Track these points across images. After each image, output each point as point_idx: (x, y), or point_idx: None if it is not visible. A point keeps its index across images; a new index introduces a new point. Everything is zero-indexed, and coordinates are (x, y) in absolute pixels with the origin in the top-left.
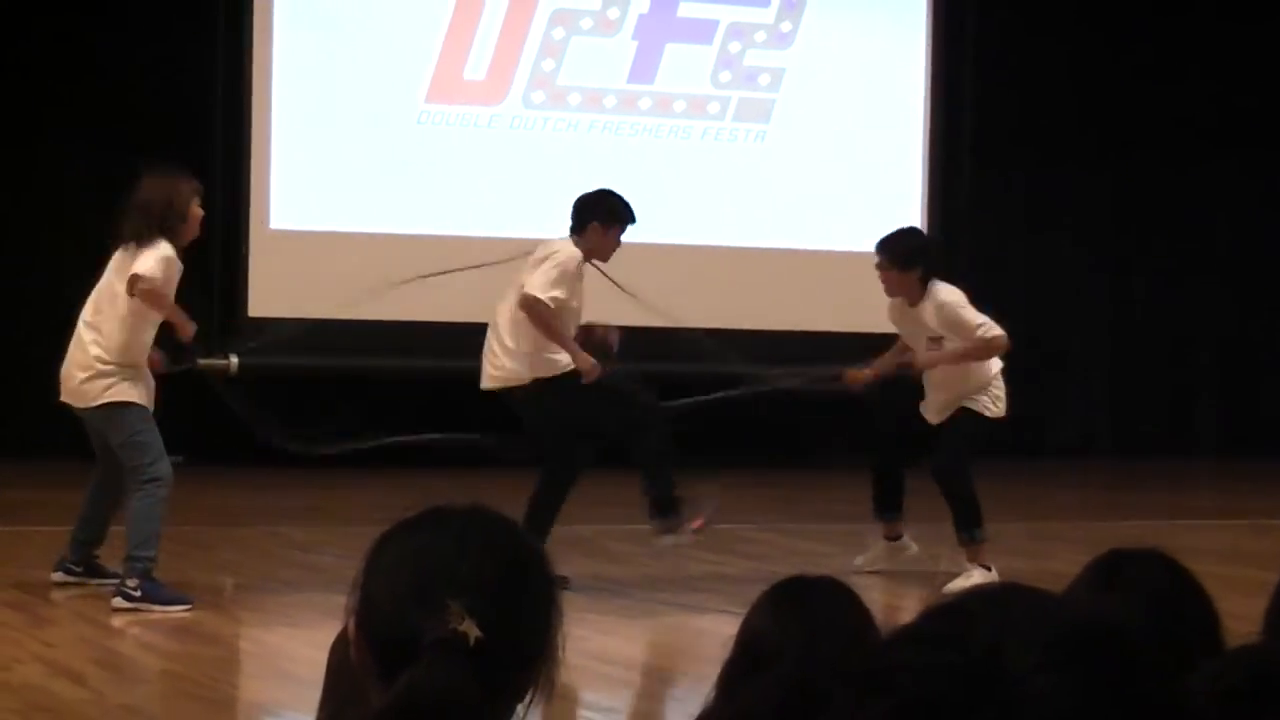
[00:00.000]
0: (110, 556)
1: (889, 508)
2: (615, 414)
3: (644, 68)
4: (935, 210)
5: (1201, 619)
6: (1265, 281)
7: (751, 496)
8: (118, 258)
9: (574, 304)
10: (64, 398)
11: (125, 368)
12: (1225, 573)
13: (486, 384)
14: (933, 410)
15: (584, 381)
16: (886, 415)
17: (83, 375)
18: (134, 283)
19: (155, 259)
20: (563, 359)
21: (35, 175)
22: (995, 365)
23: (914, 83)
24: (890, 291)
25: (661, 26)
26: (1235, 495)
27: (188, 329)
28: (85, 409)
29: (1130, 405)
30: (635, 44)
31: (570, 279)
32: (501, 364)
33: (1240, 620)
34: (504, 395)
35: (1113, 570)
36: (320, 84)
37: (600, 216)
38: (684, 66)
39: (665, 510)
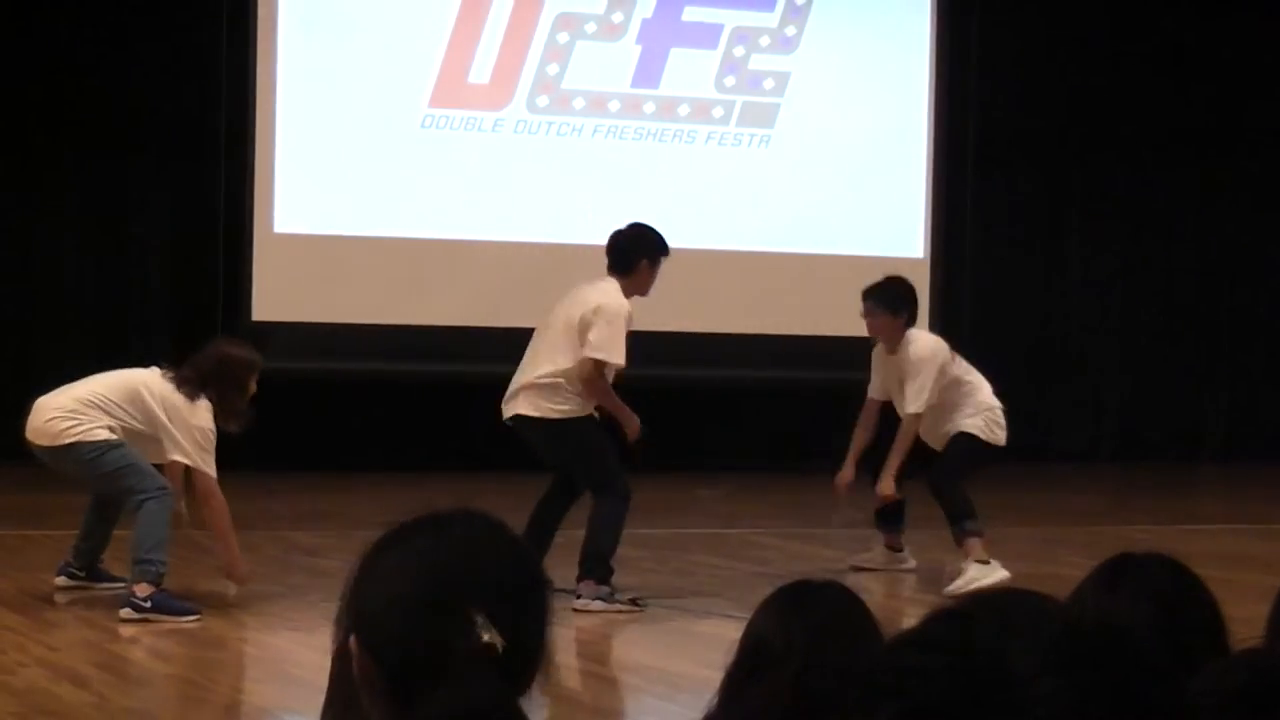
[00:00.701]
0: (114, 565)
1: (890, 522)
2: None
3: (648, 72)
4: (939, 215)
5: (1207, 623)
6: (1270, 286)
7: (757, 501)
8: (164, 385)
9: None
10: (28, 435)
11: (100, 424)
12: (1230, 577)
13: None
14: (935, 441)
15: (630, 439)
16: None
17: (47, 416)
18: (195, 478)
19: (205, 446)
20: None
21: (39, 180)
22: (990, 396)
23: (918, 87)
24: (871, 330)
25: (666, 31)
26: (1241, 500)
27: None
28: (47, 448)
29: (1136, 410)
30: (639, 48)
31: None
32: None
33: (1245, 624)
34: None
35: (1119, 574)
36: (324, 88)
37: (649, 253)
38: (688, 71)
39: (603, 574)
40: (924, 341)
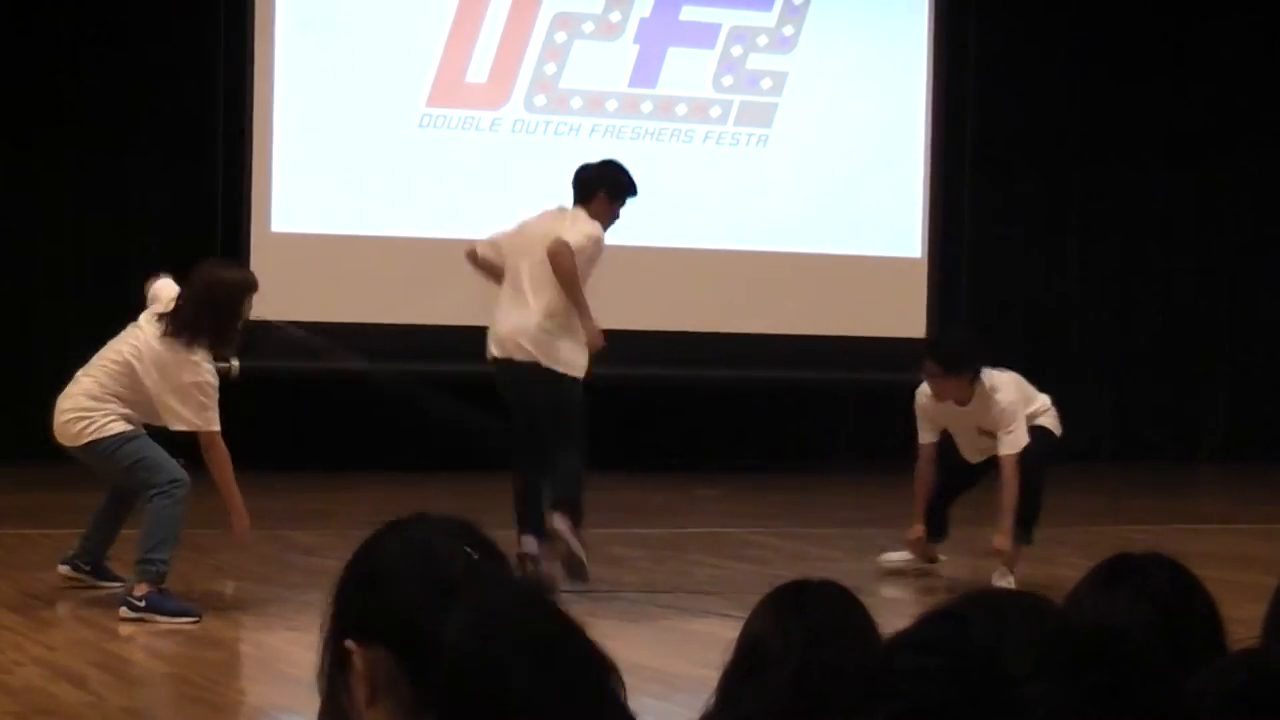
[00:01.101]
0: (118, 567)
1: (932, 532)
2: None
3: (646, 71)
4: (936, 215)
5: (1205, 623)
6: (1270, 286)
7: (754, 500)
8: (156, 343)
9: (587, 277)
10: (55, 435)
11: (108, 411)
12: (1229, 577)
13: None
14: (979, 453)
15: (590, 349)
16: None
17: (64, 417)
18: (205, 437)
19: (206, 403)
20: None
21: (36, 179)
22: (1041, 397)
23: (915, 87)
24: (941, 396)
25: (663, 30)
26: (1240, 500)
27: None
28: (72, 448)
29: (1135, 410)
30: (637, 48)
31: (597, 251)
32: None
33: (1243, 625)
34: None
35: (1117, 574)
36: (322, 87)
37: (608, 187)
38: (686, 70)
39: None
40: (1007, 387)
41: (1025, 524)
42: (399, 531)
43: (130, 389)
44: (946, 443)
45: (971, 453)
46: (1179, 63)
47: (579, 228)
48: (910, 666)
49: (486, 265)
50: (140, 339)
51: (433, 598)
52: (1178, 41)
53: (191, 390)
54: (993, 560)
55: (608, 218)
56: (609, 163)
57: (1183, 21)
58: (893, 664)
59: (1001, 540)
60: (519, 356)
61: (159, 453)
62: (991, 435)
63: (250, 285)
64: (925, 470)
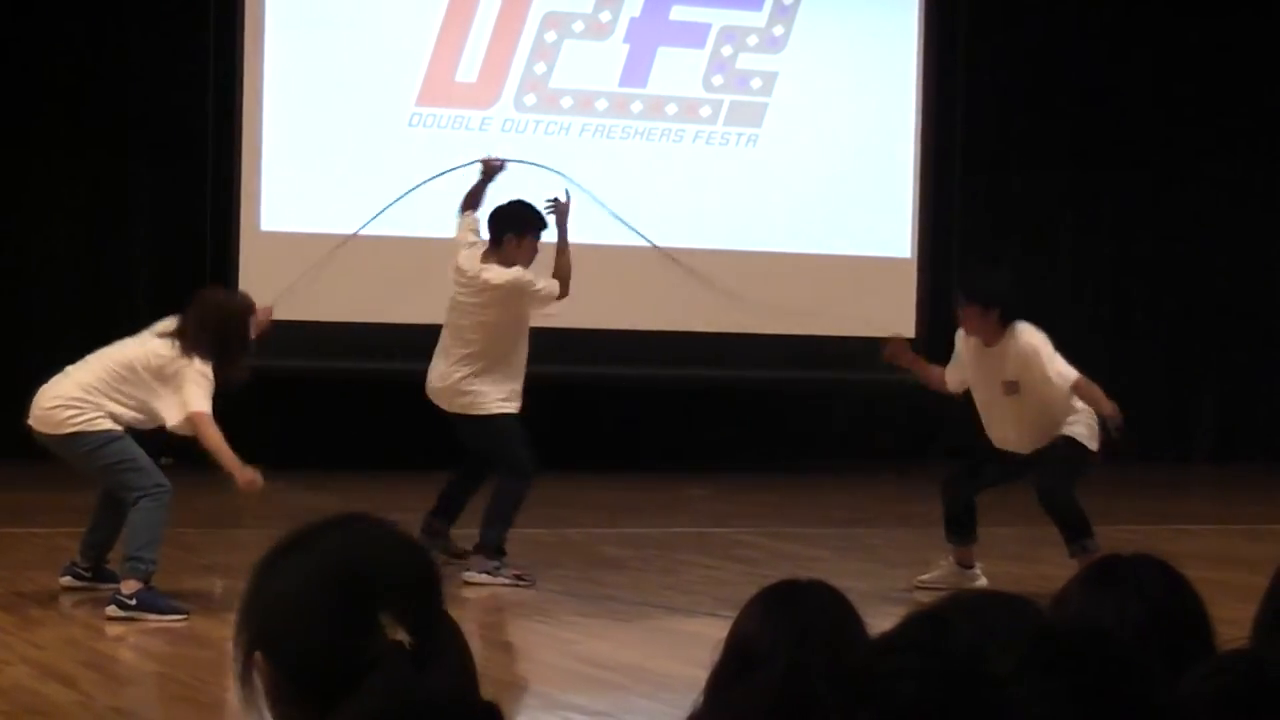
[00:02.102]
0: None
1: (961, 530)
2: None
3: (636, 71)
4: (926, 215)
5: (1194, 624)
6: (1261, 286)
7: (744, 500)
8: (161, 351)
9: (521, 319)
10: (30, 420)
11: (99, 409)
12: (1219, 578)
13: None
14: (1013, 440)
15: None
16: (967, 456)
17: (50, 403)
18: (191, 416)
19: (198, 381)
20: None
21: (26, 177)
22: (1071, 402)
23: (905, 86)
24: (968, 330)
25: (653, 30)
26: (1230, 501)
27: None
28: (50, 436)
29: (1125, 410)
30: (627, 47)
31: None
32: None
33: (1232, 625)
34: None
35: (1107, 575)
36: (311, 86)
37: (514, 228)
38: (676, 70)
39: (493, 553)
40: (1036, 334)
41: (1077, 537)
42: (301, 547)
43: (127, 392)
44: (977, 426)
45: (998, 425)
46: (1169, 62)
47: (489, 270)
48: (894, 667)
49: None
50: (144, 348)
51: (320, 624)
52: (1167, 40)
53: (186, 380)
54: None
55: (520, 256)
56: (515, 204)
57: (1173, 19)
58: (876, 666)
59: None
60: None
61: (144, 457)
62: (1015, 392)
63: (251, 307)
64: (940, 376)
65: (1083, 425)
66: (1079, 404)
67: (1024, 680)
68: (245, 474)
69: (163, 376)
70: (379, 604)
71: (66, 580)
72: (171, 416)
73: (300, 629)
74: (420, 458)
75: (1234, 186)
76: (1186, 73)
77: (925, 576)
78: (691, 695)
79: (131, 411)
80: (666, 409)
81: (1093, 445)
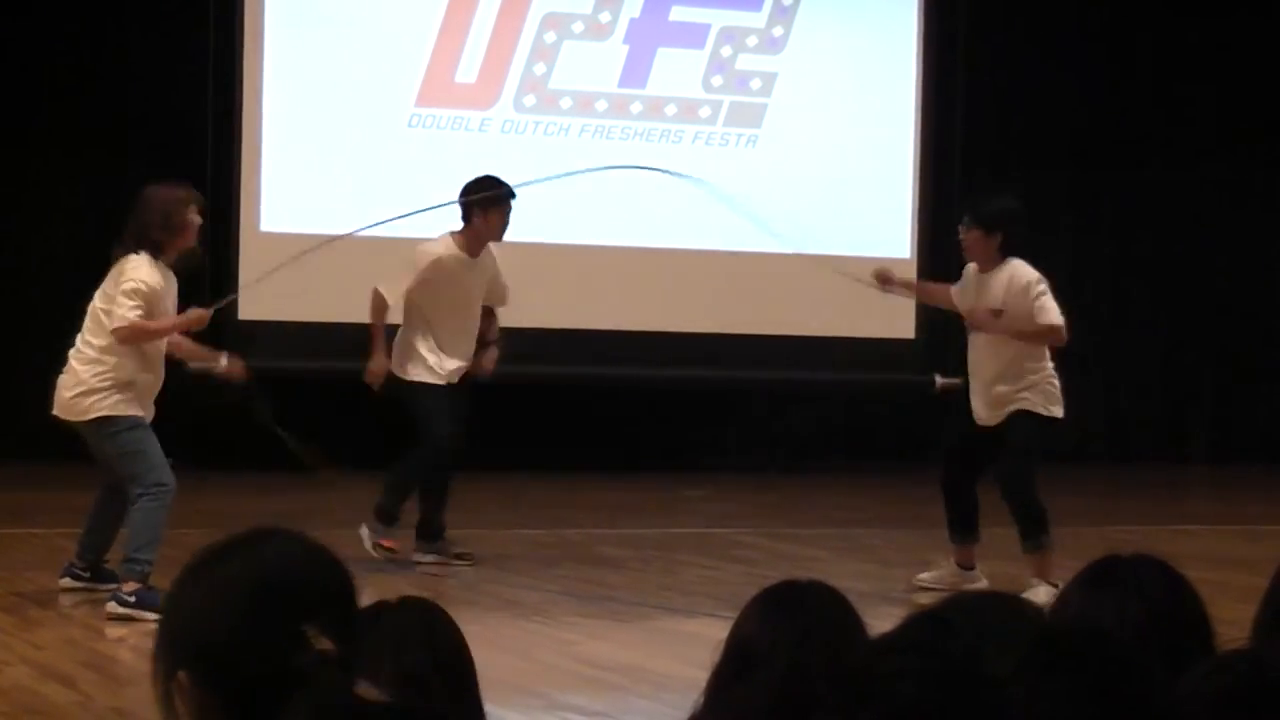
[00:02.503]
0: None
1: (963, 529)
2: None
3: (635, 72)
4: (926, 215)
5: (1194, 624)
6: (1260, 287)
7: (744, 501)
8: (108, 277)
9: (440, 297)
10: (55, 411)
11: (116, 383)
12: (1218, 578)
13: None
14: (983, 408)
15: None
16: (951, 430)
17: (70, 393)
18: (115, 333)
19: (127, 293)
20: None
21: (26, 178)
22: (1048, 361)
23: (905, 87)
24: (969, 253)
25: (653, 30)
26: (1229, 501)
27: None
28: (76, 423)
29: (1124, 410)
30: (626, 48)
31: (422, 274)
32: None
33: (1232, 626)
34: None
35: (1107, 575)
36: (311, 86)
37: (478, 202)
38: (675, 71)
39: (389, 521)
40: (1028, 266)
41: (1032, 534)
42: (217, 564)
43: (110, 345)
44: (967, 416)
45: (976, 367)
46: (1169, 62)
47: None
48: (894, 668)
49: None
50: (100, 296)
51: (245, 640)
52: (1169, 40)
53: (121, 294)
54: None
55: (488, 230)
56: (478, 182)
57: (1174, 19)
58: (876, 666)
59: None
60: None
61: (157, 453)
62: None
63: (188, 196)
64: (940, 291)
65: (1039, 392)
66: (1037, 364)
67: (1023, 680)
68: (223, 360)
69: (109, 296)
70: (302, 615)
71: (65, 581)
72: (118, 315)
73: (225, 644)
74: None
75: (1234, 187)
76: (1186, 73)
77: (924, 576)
78: (691, 696)
79: (132, 361)
80: (665, 409)
81: (1055, 411)
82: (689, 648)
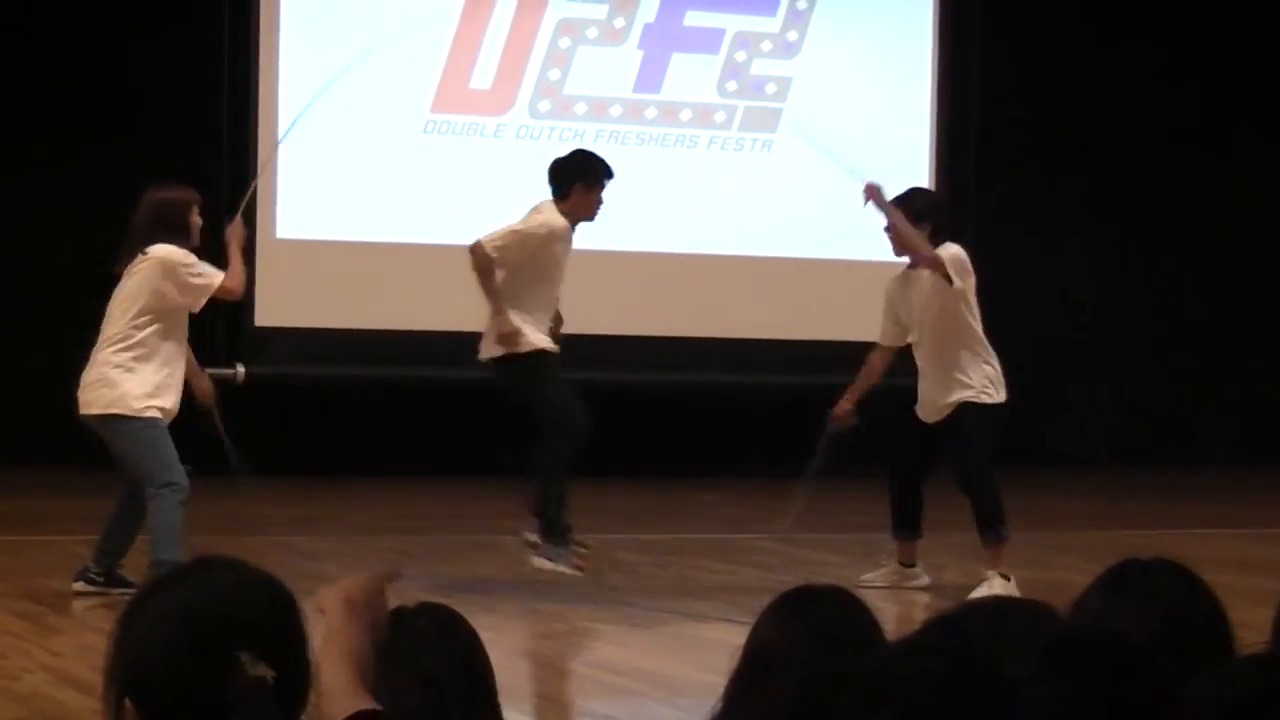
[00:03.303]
0: (134, 567)
1: (906, 525)
2: (553, 403)
3: (650, 77)
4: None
5: (1213, 628)
6: (1274, 288)
7: (759, 506)
8: (126, 277)
9: (546, 273)
10: (80, 409)
11: (137, 381)
12: (1234, 582)
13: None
14: (927, 407)
15: (500, 334)
16: (903, 431)
17: (90, 388)
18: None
19: (190, 264)
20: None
21: (38, 182)
22: (986, 350)
23: (920, 91)
24: (898, 247)
25: (667, 36)
26: (1243, 504)
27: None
28: (93, 417)
29: (1137, 413)
30: (641, 53)
31: (532, 244)
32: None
33: (1249, 629)
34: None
35: (1125, 579)
36: (327, 93)
37: (582, 177)
38: (690, 76)
39: (555, 535)
40: (955, 247)
41: (991, 524)
42: (157, 595)
43: (135, 321)
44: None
45: (921, 363)
46: (1188, 63)
47: (522, 219)
48: (911, 672)
49: None
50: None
51: (180, 667)
52: (1186, 41)
53: (178, 273)
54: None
55: (591, 206)
56: (580, 155)
57: (1188, 23)
58: (894, 670)
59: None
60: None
61: (171, 452)
62: (945, 339)
63: (190, 199)
64: (871, 362)
65: (978, 384)
66: (979, 350)
67: (1041, 685)
68: (240, 369)
69: (143, 281)
70: (235, 642)
71: (79, 585)
72: (197, 297)
73: (161, 673)
74: (424, 466)
75: (1254, 189)
76: (1209, 73)
77: (868, 575)
78: (709, 701)
79: (151, 361)
80: (680, 414)
81: (997, 396)
82: (706, 653)
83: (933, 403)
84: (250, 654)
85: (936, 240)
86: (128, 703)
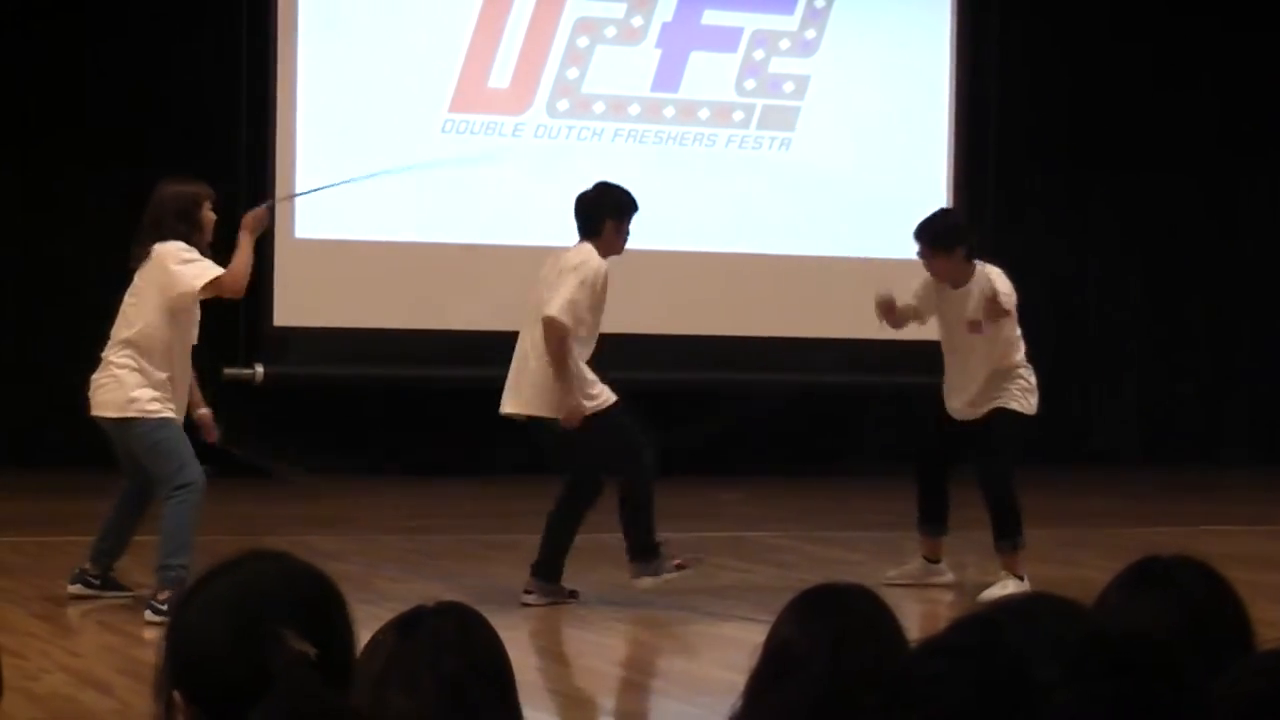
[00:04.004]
0: (133, 568)
1: (933, 521)
2: (624, 451)
3: (668, 76)
4: (960, 216)
5: (1235, 626)
6: None
7: (779, 504)
8: (137, 276)
9: (598, 317)
10: (93, 410)
11: (148, 381)
12: (1257, 579)
13: (510, 409)
14: (965, 405)
15: (563, 425)
16: (931, 427)
17: (103, 390)
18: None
19: (189, 261)
20: (594, 398)
21: (56, 189)
22: (1021, 354)
23: (938, 89)
24: (938, 276)
25: (685, 34)
26: (1266, 502)
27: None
28: (107, 419)
29: (1161, 411)
30: (659, 52)
31: (596, 290)
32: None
33: (1270, 627)
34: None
35: (1147, 576)
36: (344, 92)
37: (612, 213)
38: (708, 74)
39: (647, 554)
40: (1002, 278)
41: (1007, 533)
42: (204, 587)
43: (144, 331)
44: (944, 412)
45: (957, 374)
46: (1205, 62)
47: (572, 269)
48: (940, 672)
49: None
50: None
51: (226, 649)
52: (1205, 41)
53: (179, 263)
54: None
55: (622, 241)
56: (606, 188)
57: (1203, 25)
58: (922, 670)
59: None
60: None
61: (187, 450)
62: (978, 331)
63: (203, 193)
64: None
65: (1019, 388)
66: (1019, 359)
67: (1071, 688)
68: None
69: (151, 274)
70: (279, 623)
71: (75, 588)
72: (197, 285)
73: (208, 661)
74: (442, 465)
75: (1269, 186)
76: (1226, 71)
77: (893, 573)
78: (729, 699)
79: (159, 361)
80: (700, 413)
81: (1031, 407)
82: (726, 651)
83: (969, 404)
84: (293, 631)
85: (972, 256)
86: (177, 696)
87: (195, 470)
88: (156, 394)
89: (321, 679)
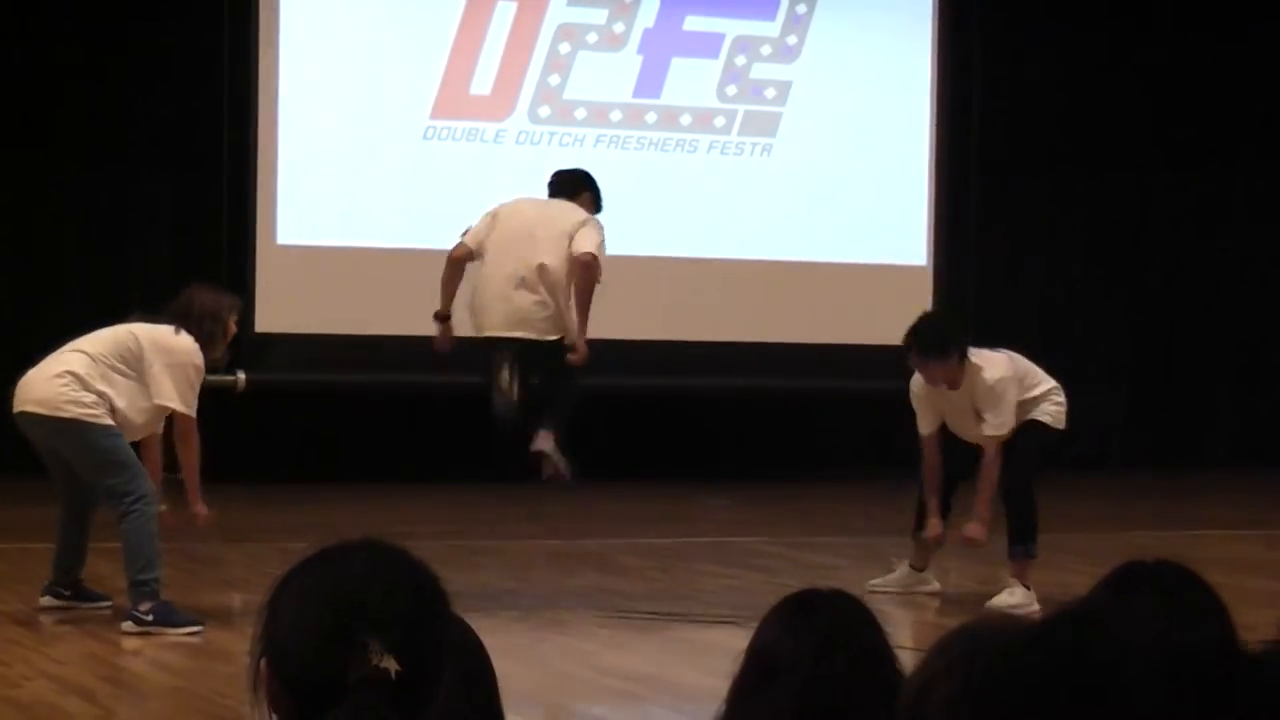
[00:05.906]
0: (95, 577)
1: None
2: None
3: (650, 82)
4: (942, 222)
5: (1218, 631)
6: (1278, 291)
7: (764, 509)
8: (151, 328)
9: None
10: (25, 407)
11: (106, 407)
12: (1239, 584)
13: (530, 333)
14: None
15: (573, 358)
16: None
17: (59, 386)
18: (175, 418)
19: (192, 383)
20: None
21: (39, 192)
22: (1048, 378)
23: (920, 95)
24: (934, 381)
25: (667, 41)
26: (1249, 507)
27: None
28: (48, 417)
29: (1143, 416)
30: (641, 58)
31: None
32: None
33: (1251, 631)
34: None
35: (1131, 579)
36: (327, 98)
37: (593, 190)
38: (690, 80)
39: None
40: (996, 365)
41: (1024, 539)
42: (315, 567)
43: (118, 364)
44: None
45: (973, 434)
46: (1185, 69)
47: (581, 221)
48: (1025, 666)
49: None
50: (135, 325)
51: (313, 643)
52: (1183, 48)
53: (181, 369)
54: (1002, 574)
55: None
56: (587, 173)
57: (1187, 29)
58: (1004, 664)
59: (975, 529)
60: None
61: (135, 461)
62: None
63: (235, 304)
64: (933, 462)
65: (1048, 403)
66: (1043, 386)
67: (1156, 696)
68: (202, 509)
69: (157, 344)
70: (369, 629)
71: (46, 600)
72: (160, 397)
73: (294, 646)
74: (424, 471)
75: (1251, 189)
76: (1207, 73)
77: (876, 581)
78: (712, 705)
79: (124, 399)
80: (682, 418)
81: (1059, 425)
82: (709, 657)
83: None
84: (380, 643)
85: (964, 358)
86: (262, 663)
87: (147, 481)
88: (103, 407)
89: (396, 699)
